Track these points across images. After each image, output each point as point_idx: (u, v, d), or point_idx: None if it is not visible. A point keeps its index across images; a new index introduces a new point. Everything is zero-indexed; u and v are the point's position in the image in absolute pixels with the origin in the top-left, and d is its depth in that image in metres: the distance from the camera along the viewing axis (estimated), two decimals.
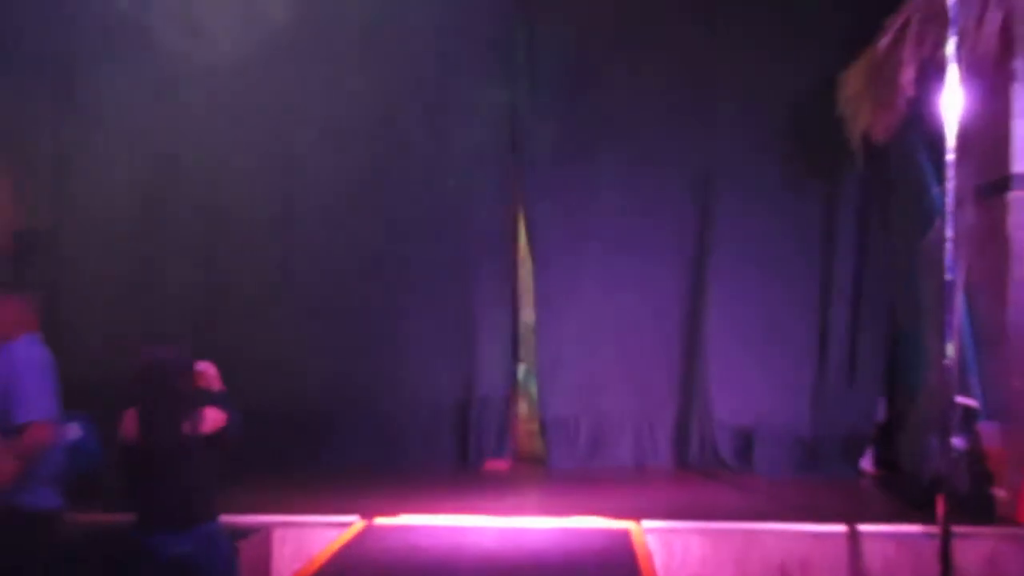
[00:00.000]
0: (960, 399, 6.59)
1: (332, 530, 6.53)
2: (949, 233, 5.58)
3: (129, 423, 5.38)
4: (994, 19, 6.71)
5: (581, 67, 9.10)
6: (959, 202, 5.77)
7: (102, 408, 6.02)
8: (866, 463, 8.75)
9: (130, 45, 8.93)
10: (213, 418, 5.40)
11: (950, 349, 5.60)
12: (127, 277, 8.89)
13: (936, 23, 6.63)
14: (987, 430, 7.09)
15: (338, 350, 9.09)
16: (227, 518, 5.67)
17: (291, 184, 9.22)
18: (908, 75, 6.89)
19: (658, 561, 6.20)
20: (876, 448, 8.74)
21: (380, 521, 6.68)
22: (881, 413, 8.69)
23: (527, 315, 9.46)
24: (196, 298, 8.94)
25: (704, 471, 8.81)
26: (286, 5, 8.69)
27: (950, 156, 5.57)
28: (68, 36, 8.79)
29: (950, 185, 5.59)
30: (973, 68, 6.65)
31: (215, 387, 5.48)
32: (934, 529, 5.82)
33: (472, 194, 9.20)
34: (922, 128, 7.11)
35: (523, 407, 9.60)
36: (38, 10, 8.18)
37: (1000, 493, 6.99)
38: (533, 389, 9.38)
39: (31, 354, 5.65)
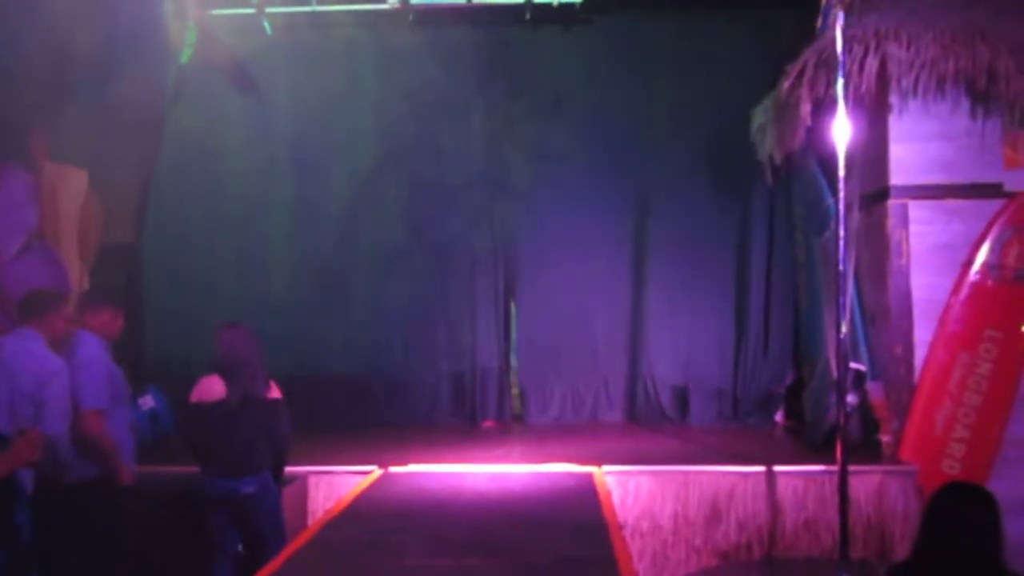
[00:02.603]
0: (852, 364, 6.60)
1: (356, 477, 6.48)
2: (841, 233, 5.55)
3: (211, 386, 5.36)
4: (872, 64, 6.71)
5: (548, 108, 9.06)
6: (848, 208, 5.73)
7: (173, 381, 5.98)
8: (778, 416, 8.74)
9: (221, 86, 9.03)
10: (275, 388, 5.45)
11: (843, 325, 5.57)
12: (193, 284, 8.80)
13: (827, 67, 6.62)
14: (873, 389, 7.08)
15: (368, 334, 9.08)
16: None
17: (326, 203, 9.19)
18: (806, 109, 6.86)
19: (616, 498, 6.18)
20: (786, 404, 8.73)
21: (394, 469, 6.63)
22: (790, 376, 8.67)
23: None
24: (252, 292, 8.80)
25: (649, 424, 8.78)
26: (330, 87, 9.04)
27: (840, 172, 5.54)
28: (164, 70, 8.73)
29: (841, 195, 5.55)
30: (857, 103, 6.64)
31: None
32: (833, 467, 5.78)
33: (470, 213, 9.16)
34: (818, 150, 7.10)
35: (510, 376, 9.52)
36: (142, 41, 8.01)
37: (884, 438, 7.00)
38: (514, 361, 9.35)
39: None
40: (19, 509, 4.07)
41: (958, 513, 3.30)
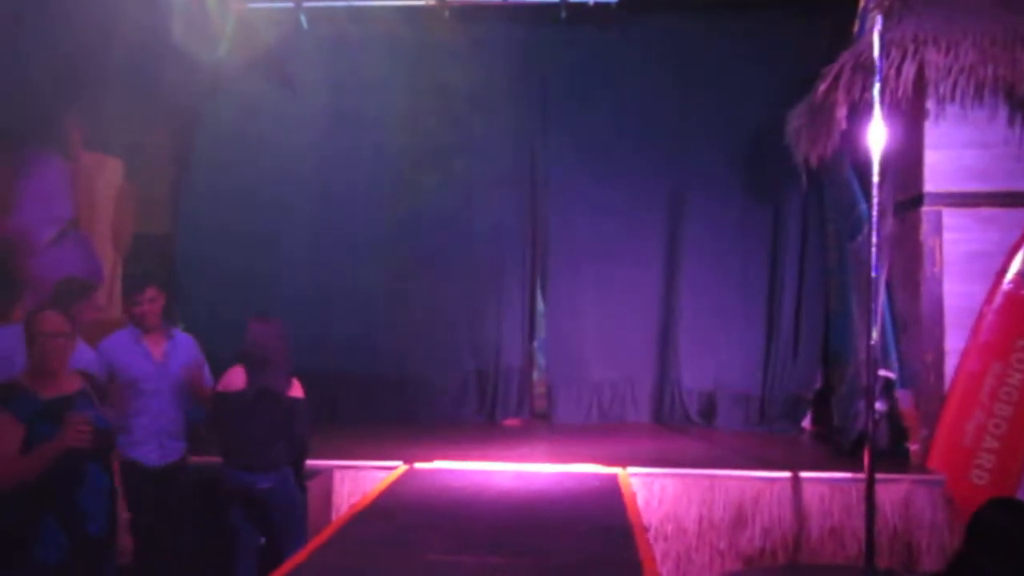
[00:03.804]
0: (881, 371, 6.55)
1: (381, 472, 6.50)
2: (874, 239, 5.50)
3: (235, 376, 5.38)
4: (910, 70, 6.65)
5: (581, 106, 9.06)
6: (881, 214, 5.69)
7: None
8: (806, 422, 8.69)
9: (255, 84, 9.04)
10: (297, 386, 5.45)
11: (874, 331, 5.53)
12: (225, 276, 8.84)
13: (863, 71, 6.57)
14: (903, 396, 7.03)
15: (395, 330, 9.10)
16: None
17: (358, 198, 9.17)
18: (841, 113, 6.81)
19: (640, 500, 6.16)
20: (814, 410, 8.67)
21: (419, 465, 6.64)
22: (818, 382, 8.61)
23: (539, 302, 9.40)
24: (282, 286, 8.91)
25: (676, 427, 8.75)
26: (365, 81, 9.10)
27: (875, 177, 5.49)
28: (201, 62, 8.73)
29: (875, 200, 5.51)
30: (893, 107, 6.59)
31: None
32: (860, 475, 5.75)
33: (501, 210, 9.16)
34: (852, 155, 7.05)
35: (535, 375, 9.53)
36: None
37: (913, 447, 6.94)
38: (541, 360, 9.34)
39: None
40: (84, 495, 4.04)
41: (1003, 527, 3.29)
